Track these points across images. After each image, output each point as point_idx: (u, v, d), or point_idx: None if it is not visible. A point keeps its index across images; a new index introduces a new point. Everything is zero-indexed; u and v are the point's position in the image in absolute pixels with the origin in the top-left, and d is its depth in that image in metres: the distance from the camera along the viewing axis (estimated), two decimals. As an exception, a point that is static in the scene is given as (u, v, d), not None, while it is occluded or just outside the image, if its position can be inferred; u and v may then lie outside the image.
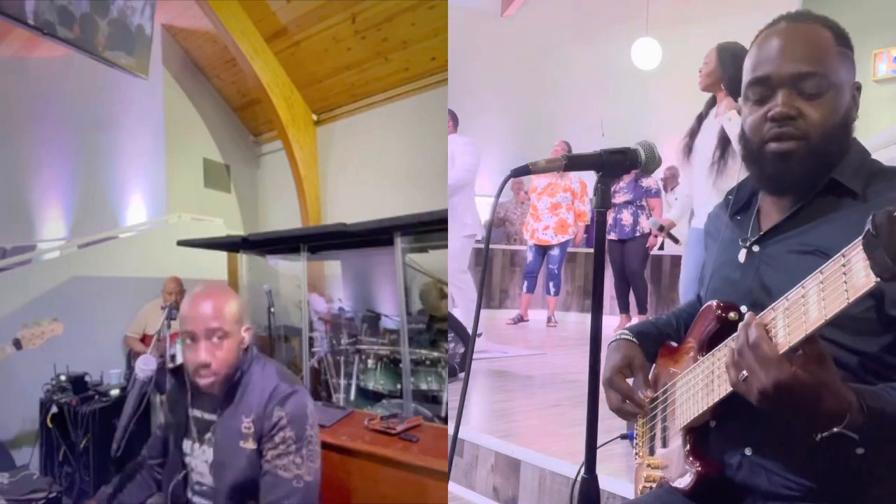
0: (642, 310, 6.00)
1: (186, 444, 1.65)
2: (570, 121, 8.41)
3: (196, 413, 1.65)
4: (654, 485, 1.18)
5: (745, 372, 0.87)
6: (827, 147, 1.02)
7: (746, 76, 1.08)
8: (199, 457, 1.61)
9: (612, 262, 6.05)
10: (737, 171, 2.69)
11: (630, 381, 1.23)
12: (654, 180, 6.00)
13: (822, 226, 1.00)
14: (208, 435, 1.60)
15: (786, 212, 1.08)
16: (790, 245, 1.04)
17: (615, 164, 1.15)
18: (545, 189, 6.34)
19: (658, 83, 7.93)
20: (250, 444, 1.52)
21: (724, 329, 1.04)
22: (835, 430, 0.85)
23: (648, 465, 1.19)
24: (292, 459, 1.50)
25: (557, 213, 6.30)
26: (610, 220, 6.01)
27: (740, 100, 1.15)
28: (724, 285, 1.15)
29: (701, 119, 2.93)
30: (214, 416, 1.60)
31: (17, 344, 2.43)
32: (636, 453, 1.28)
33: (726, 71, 2.77)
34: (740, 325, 0.89)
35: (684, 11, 7.80)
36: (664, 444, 1.17)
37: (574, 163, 1.14)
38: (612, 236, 6.00)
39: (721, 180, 2.73)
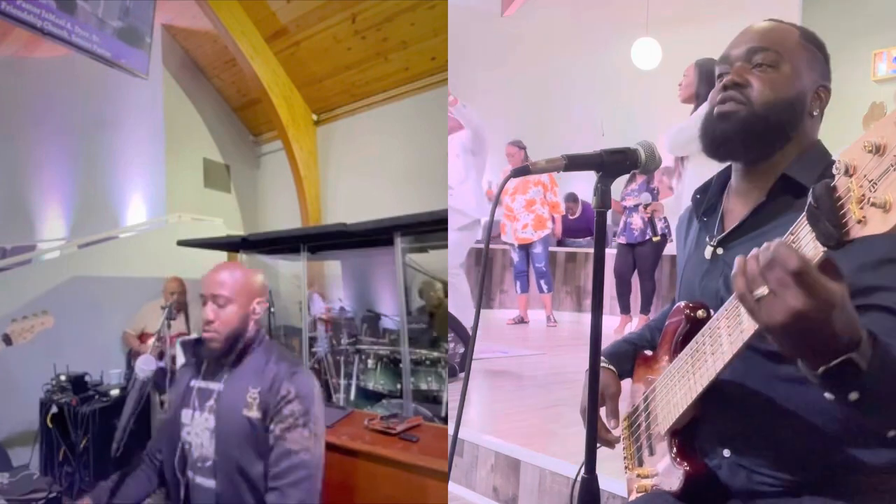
0: (645, 310, 5.98)
1: (186, 415, 1.67)
2: (570, 121, 8.40)
3: (200, 384, 1.69)
4: (647, 493, 1.18)
5: (763, 289, 0.76)
6: (767, 117, 1.05)
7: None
8: (199, 425, 1.63)
9: (619, 265, 6.02)
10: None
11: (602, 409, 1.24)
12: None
13: (781, 227, 0.95)
14: (210, 402, 1.63)
15: (747, 213, 1.09)
16: (753, 247, 1.02)
17: (615, 164, 1.15)
18: (517, 188, 6.34)
19: (658, 83, 7.92)
20: (254, 413, 1.55)
21: (694, 328, 1.04)
22: (850, 355, 0.76)
23: (638, 476, 1.19)
24: (301, 433, 1.54)
25: (533, 209, 6.31)
26: (621, 224, 6.01)
27: None
28: (692, 287, 1.15)
29: None
30: (219, 385, 1.65)
31: (7, 339, 2.33)
32: (625, 466, 1.28)
33: (702, 84, 3.00)
34: (760, 250, 0.77)
35: (684, 11, 7.78)
36: (651, 452, 1.17)
37: (574, 163, 1.14)
38: (621, 240, 5.98)
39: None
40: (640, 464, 1.21)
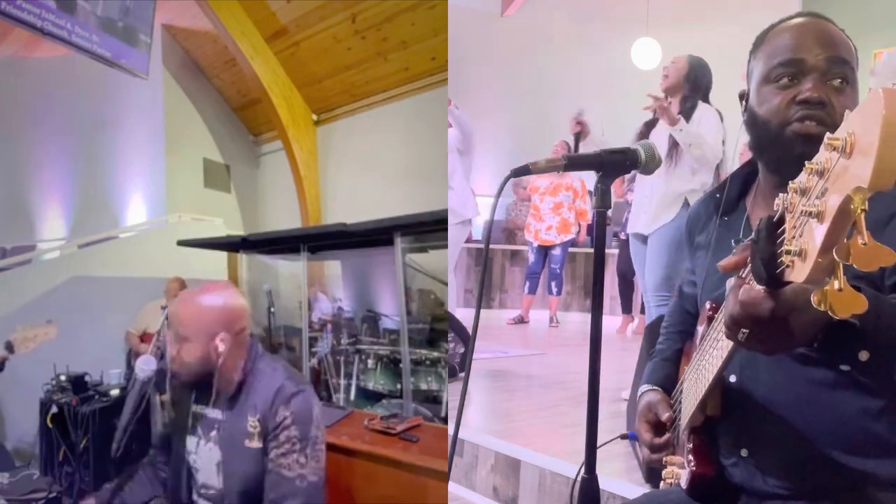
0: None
1: (190, 442, 1.64)
2: (570, 121, 8.41)
3: (198, 409, 1.64)
4: (674, 480, 1.17)
5: (745, 330, 0.77)
6: None
7: (771, 60, 1.04)
8: (204, 456, 1.60)
9: (621, 262, 6.01)
10: (686, 173, 3.05)
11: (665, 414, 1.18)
12: None
13: None
14: (214, 433, 1.58)
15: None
16: None
17: (615, 164, 1.15)
18: (548, 189, 6.32)
19: (658, 83, 7.93)
20: (256, 443, 1.52)
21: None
22: (836, 317, 0.71)
23: (667, 462, 1.19)
24: (296, 458, 1.49)
25: (560, 212, 6.28)
26: (623, 218, 6.01)
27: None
28: (718, 288, 1.12)
29: (650, 126, 3.15)
30: (219, 414, 1.59)
31: (10, 347, 2.34)
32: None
33: (687, 83, 3.17)
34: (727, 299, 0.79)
35: (684, 11, 7.80)
36: (677, 442, 1.18)
37: (574, 163, 1.14)
38: (623, 235, 5.98)
39: (673, 181, 3.09)
40: (673, 451, 1.21)
